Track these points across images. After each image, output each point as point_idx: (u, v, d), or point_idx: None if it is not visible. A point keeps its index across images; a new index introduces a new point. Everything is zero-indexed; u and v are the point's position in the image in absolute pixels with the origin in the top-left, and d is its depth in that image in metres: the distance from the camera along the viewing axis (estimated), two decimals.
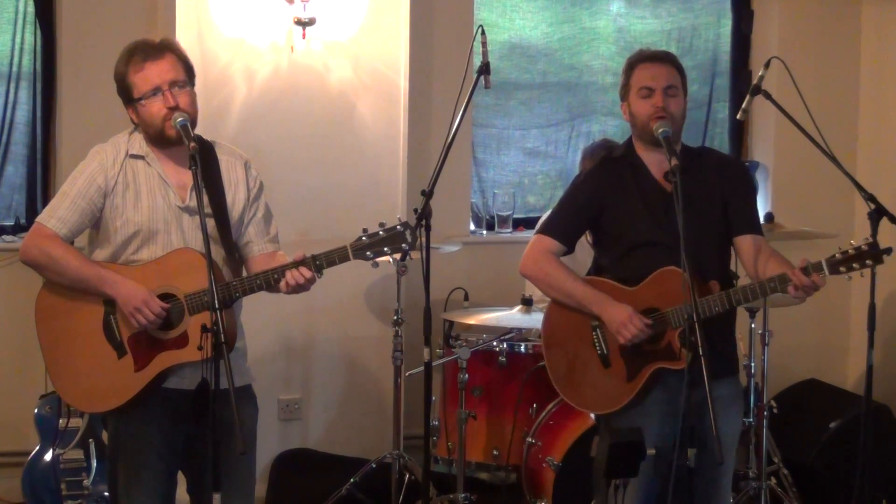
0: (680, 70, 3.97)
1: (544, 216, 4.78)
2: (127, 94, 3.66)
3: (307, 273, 3.54)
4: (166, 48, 3.66)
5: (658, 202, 3.90)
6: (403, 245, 3.56)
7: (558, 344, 4.02)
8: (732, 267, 4.13)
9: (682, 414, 3.56)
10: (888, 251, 3.67)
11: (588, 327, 3.93)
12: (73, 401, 3.81)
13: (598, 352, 3.92)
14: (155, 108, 3.60)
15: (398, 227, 3.56)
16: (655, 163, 3.93)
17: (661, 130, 3.79)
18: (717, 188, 3.93)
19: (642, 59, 3.95)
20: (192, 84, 3.68)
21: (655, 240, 3.89)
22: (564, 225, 4.03)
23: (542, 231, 4.07)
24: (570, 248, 4.04)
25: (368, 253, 3.56)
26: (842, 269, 3.66)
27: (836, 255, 3.67)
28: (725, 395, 3.84)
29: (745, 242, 3.95)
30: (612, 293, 3.89)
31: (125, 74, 3.64)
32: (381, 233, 3.56)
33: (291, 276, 3.55)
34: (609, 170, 4.02)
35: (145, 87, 3.60)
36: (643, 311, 3.85)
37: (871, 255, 3.66)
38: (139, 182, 3.67)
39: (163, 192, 3.67)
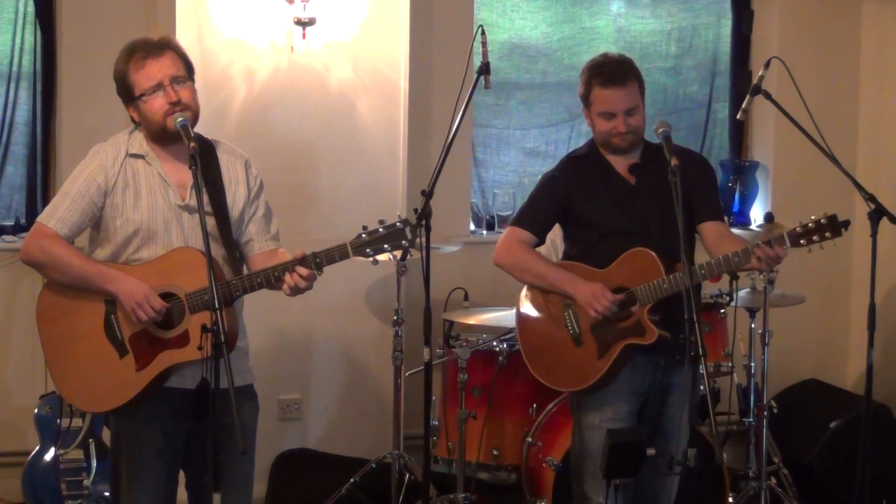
0: (639, 79, 4.13)
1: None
2: (128, 93, 3.66)
3: (304, 272, 3.54)
4: (165, 45, 3.67)
5: (624, 194, 4.12)
6: (403, 242, 3.56)
7: (532, 325, 4.21)
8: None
9: (686, 415, 3.60)
10: (846, 224, 3.78)
11: (560, 308, 4.11)
12: (75, 401, 3.81)
13: (570, 331, 4.09)
14: (157, 105, 3.61)
15: (398, 224, 3.56)
16: (617, 161, 4.15)
17: (661, 130, 3.90)
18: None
19: (601, 80, 4.08)
20: (193, 80, 3.69)
21: (624, 229, 4.07)
22: (535, 216, 4.23)
23: (514, 223, 4.26)
24: (541, 239, 4.24)
25: (368, 250, 3.55)
26: (802, 241, 3.79)
27: (797, 228, 3.79)
28: (683, 383, 3.95)
29: (708, 229, 4.11)
30: (582, 274, 4.08)
31: (126, 73, 3.65)
32: (380, 230, 3.56)
33: (290, 279, 3.55)
34: (575, 166, 4.21)
35: (147, 84, 3.61)
36: (614, 290, 4.02)
37: (830, 227, 3.77)
38: (139, 181, 3.67)
39: (163, 192, 3.67)
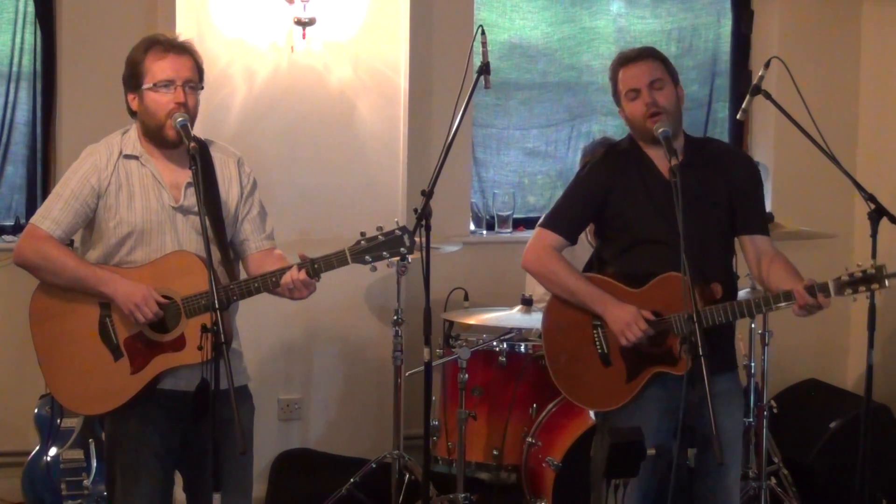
0: (663, 60, 3.94)
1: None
2: (135, 80, 3.63)
3: (301, 276, 3.53)
4: (188, 49, 3.66)
5: (664, 198, 3.81)
6: (402, 249, 3.57)
7: (559, 338, 4.01)
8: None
9: (681, 413, 3.56)
10: (894, 275, 3.66)
11: (589, 325, 3.92)
12: (68, 403, 3.79)
13: (599, 350, 3.91)
14: (164, 100, 3.59)
15: (396, 231, 3.57)
16: (659, 157, 3.87)
17: (660, 130, 3.77)
18: (721, 182, 3.90)
19: (622, 62, 3.94)
20: (200, 89, 3.69)
21: (660, 238, 3.85)
22: (568, 219, 3.99)
23: (545, 225, 4.01)
24: (572, 242, 4.01)
25: (367, 257, 3.56)
26: (847, 291, 3.66)
27: (843, 276, 3.66)
28: (725, 391, 3.84)
29: (750, 243, 3.94)
30: (615, 293, 3.87)
31: (141, 61, 3.62)
32: (380, 237, 3.57)
33: (287, 277, 3.54)
34: (614, 161, 3.98)
35: (161, 76, 3.59)
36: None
37: (878, 279, 3.64)
38: (133, 182, 3.66)
39: (156, 193, 3.66)
